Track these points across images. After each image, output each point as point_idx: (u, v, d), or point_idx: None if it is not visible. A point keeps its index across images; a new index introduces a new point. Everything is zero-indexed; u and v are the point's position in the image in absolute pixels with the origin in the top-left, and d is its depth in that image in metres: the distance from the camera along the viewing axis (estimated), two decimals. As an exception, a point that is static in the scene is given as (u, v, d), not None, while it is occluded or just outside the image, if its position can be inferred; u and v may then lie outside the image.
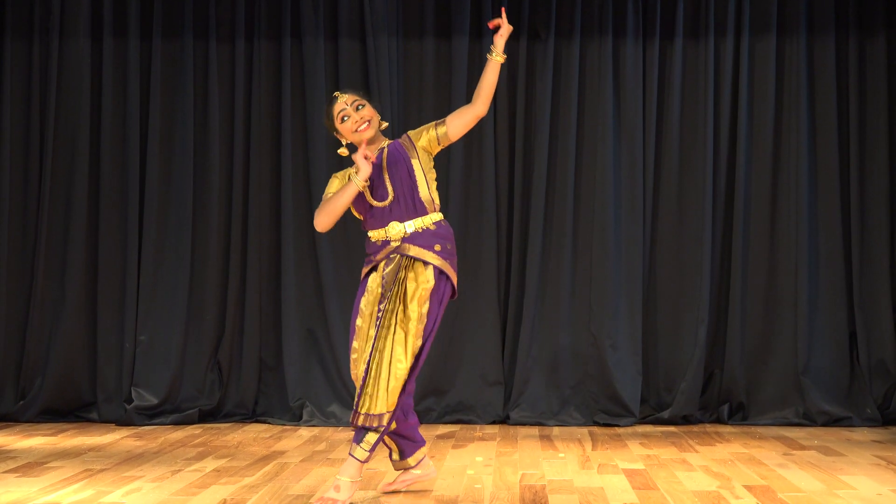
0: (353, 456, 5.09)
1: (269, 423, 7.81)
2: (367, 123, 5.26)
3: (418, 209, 5.25)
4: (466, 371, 7.85)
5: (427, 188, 5.27)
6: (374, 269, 5.27)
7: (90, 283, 7.91)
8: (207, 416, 7.86)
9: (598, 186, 7.88)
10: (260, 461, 6.23)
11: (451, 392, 7.89)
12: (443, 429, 7.57)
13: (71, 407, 7.91)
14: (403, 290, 5.17)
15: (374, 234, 5.28)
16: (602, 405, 7.77)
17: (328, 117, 5.34)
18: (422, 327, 5.13)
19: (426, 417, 7.84)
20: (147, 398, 7.78)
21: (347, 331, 7.86)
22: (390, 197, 5.24)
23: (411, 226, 5.24)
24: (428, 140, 5.30)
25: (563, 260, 7.86)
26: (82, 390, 7.92)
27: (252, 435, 7.29)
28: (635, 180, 7.89)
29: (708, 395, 7.90)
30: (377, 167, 5.25)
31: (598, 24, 7.92)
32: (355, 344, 5.20)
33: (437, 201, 5.29)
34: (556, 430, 7.51)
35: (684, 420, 7.79)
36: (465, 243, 7.89)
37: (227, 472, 5.88)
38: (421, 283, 5.17)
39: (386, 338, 5.11)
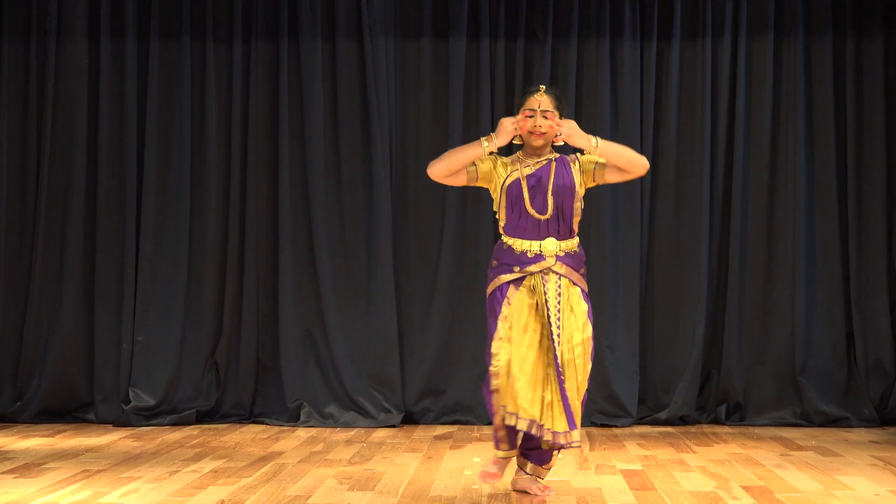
0: (539, 478, 5.32)
1: (266, 423, 7.81)
2: (543, 134, 5.29)
3: (571, 231, 5.36)
4: (464, 372, 7.85)
5: (579, 214, 5.36)
6: (519, 280, 5.28)
7: (87, 283, 7.90)
8: (205, 417, 7.86)
9: (595, 187, 7.85)
10: (257, 462, 6.23)
11: (448, 393, 7.89)
12: (440, 429, 7.57)
13: (68, 408, 7.90)
14: (566, 310, 5.27)
15: (524, 245, 5.30)
16: (599, 406, 7.77)
17: (521, 99, 5.40)
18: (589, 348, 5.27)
19: (424, 418, 7.85)
20: (144, 399, 7.77)
21: (345, 331, 7.87)
22: (549, 212, 5.29)
23: (565, 245, 5.33)
24: (589, 171, 5.34)
25: (560, 260, 7.86)
26: (80, 391, 7.92)
27: (249, 436, 7.29)
28: (632, 181, 7.87)
29: (705, 395, 7.91)
30: (542, 178, 5.28)
31: (596, 25, 7.93)
32: (502, 354, 5.20)
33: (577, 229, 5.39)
34: (553, 431, 7.50)
35: (682, 421, 7.79)
36: (462, 244, 7.90)
37: (225, 472, 5.88)
38: (575, 305, 5.27)
39: (571, 362, 5.20)
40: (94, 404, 7.88)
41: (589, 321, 5.29)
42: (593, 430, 7.59)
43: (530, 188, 5.28)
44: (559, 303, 5.26)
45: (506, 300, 5.27)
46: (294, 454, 6.52)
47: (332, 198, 7.93)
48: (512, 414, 5.17)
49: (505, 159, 5.40)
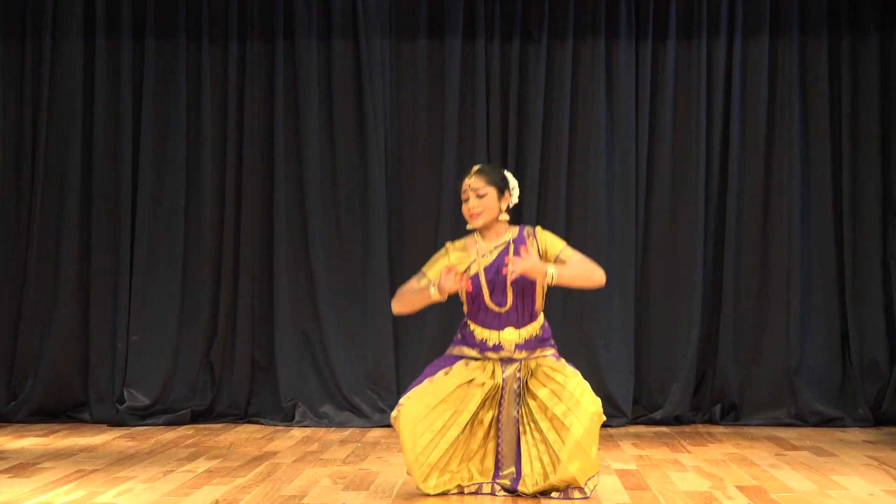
0: None
1: (261, 423, 7.80)
2: (477, 215, 5.23)
3: (532, 316, 5.29)
4: (459, 372, 7.84)
5: (542, 296, 5.30)
6: (475, 360, 5.28)
7: (82, 283, 7.89)
8: (200, 417, 7.86)
9: (591, 187, 7.89)
10: (252, 462, 6.22)
11: (443, 393, 7.88)
12: (435, 429, 7.56)
13: (63, 407, 7.90)
14: (530, 389, 5.23)
15: (484, 334, 5.27)
16: (594, 405, 7.76)
17: (459, 186, 5.35)
18: (578, 378, 5.21)
19: (419, 418, 7.84)
20: (139, 399, 7.77)
21: (340, 331, 7.87)
22: (509, 304, 5.24)
23: (525, 333, 5.27)
24: (549, 254, 5.26)
25: (555, 260, 7.86)
26: (74, 391, 7.91)
27: (244, 435, 7.29)
28: (628, 181, 7.89)
29: (700, 395, 7.91)
30: (500, 269, 5.22)
31: (591, 24, 7.93)
32: (411, 405, 5.17)
33: (543, 306, 5.33)
34: (548, 431, 7.50)
35: (676, 420, 7.79)
36: (457, 244, 7.90)
37: (220, 472, 5.88)
38: (552, 377, 5.23)
39: (548, 431, 5.11)
40: (89, 404, 7.87)
41: (588, 387, 5.21)
42: (588, 429, 7.58)
43: (489, 282, 5.23)
44: (518, 388, 5.24)
45: (447, 369, 5.26)
46: (289, 454, 6.52)
47: (327, 197, 7.93)
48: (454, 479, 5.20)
49: (459, 246, 5.33)
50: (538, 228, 5.35)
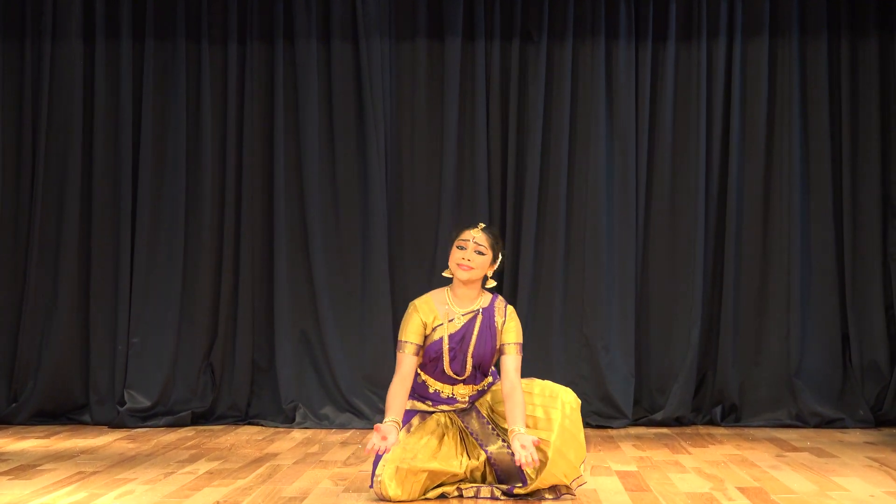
0: None
1: (261, 425, 7.80)
2: (471, 269, 5.19)
3: (485, 375, 5.34)
4: (459, 373, 7.84)
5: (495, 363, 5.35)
6: (429, 413, 5.31)
7: (83, 285, 7.89)
8: (200, 419, 7.86)
9: (591, 188, 7.89)
10: (253, 463, 6.22)
11: (443, 394, 7.88)
12: (436, 431, 7.56)
13: (63, 409, 7.90)
14: (496, 412, 5.29)
15: (437, 386, 5.29)
16: (594, 407, 7.77)
17: (457, 231, 5.28)
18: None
19: (419, 419, 7.84)
20: (140, 400, 7.77)
21: (341, 332, 7.87)
22: (468, 373, 5.27)
23: (477, 387, 5.32)
24: (501, 337, 5.25)
25: (555, 262, 7.86)
26: (75, 393, 7.91)
27: (245, 437, 7.29)
28: (628, 182, 7.89)
29: (700, 396, 7.91)
30: (464, 338, 5.21)
31: (591, 25, 7.93)
32: (387, 470, 5.09)
33: None
34: (548, 432, 7.50)
35: (677, 422, 7.79)
36: (457, 245, 7.90)
37: (220, 474, 5.88)
38: (495, 397, 5.30)
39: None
40: (90, 406, 7.87)
41: (551, 382, 5.28)
42: (588, 431, 7.56)
43: (451, 350, 5.22)
44: (486, 420, 5.29)
45: (407, 426, 5.26)
46: (289, 455, 6.52)
47: (327, 199, 7.93)
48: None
49: (430, 306, 5.25)
50: (510, 309, 5.30)
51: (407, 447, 5.14)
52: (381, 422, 5.06)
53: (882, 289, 7.88)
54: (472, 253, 5.19)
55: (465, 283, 5.23)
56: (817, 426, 7.71)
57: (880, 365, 7.83)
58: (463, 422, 5.32)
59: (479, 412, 5.33)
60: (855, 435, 7.42)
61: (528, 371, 5.51)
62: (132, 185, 7.91)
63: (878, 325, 7.86)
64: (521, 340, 5.27)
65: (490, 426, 5.29)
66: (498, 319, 5.26)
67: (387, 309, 7.86)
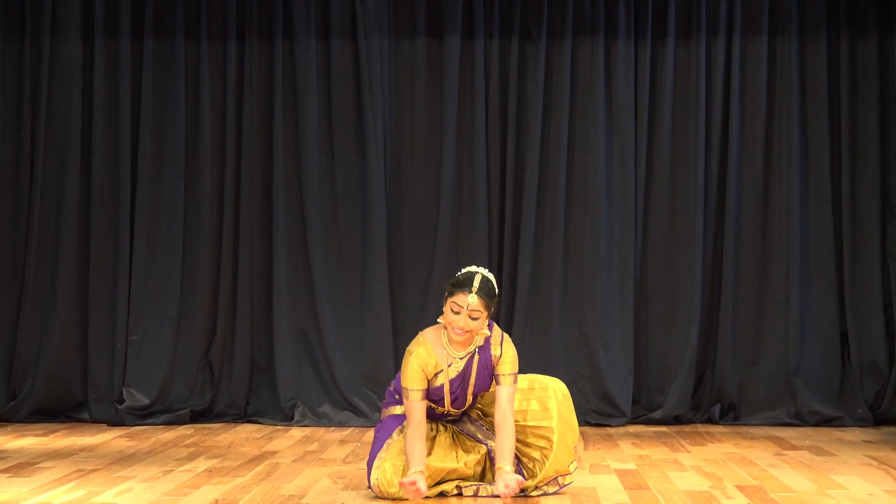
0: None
1: (260, 423, 7.80)
2: (464, 333, 5.15)
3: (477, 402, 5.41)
4: (458, 371, 7.84)
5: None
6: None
7: (82, 282, 7.89)
8: (199, 417, 7.85)
9: (590, 186, 7.88)
10: (251, 461, 6.22)
11: (442, 392, 7.88)
12: (435, 429, 7.56)
13: (62, 407, 7.89)
14: (481, 412, 5.37)
15: (432, 405, 5.30)
16: (594, 405, 7.77)
17: (451, 289, 5.16)
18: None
19: (418, 418, 7.83)
20: (138, 398, 7.76)
21: (340, 332, 7.86)
22: (467, 405, 5.32)
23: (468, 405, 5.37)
24: (496, 368, 5.24)
25: (554, 260, 7.86)
26: (73, 390, 7.91)
27: (244, 435, 7.29)
28: (627, 180, 7.89)
29: (699, 395, 7.91)
30: (465, 378, 5.24)
31: (590, 24, 7.93)
32: (383, 471, 5.14)
33: None
34: (547, 431, 7.49)
35: (676, 420, 7.79)
36: (456, 243, 7.90)
37: (219, 472, 5.88)
38: (484, 400, 5.37)
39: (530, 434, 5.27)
40: (88, 403, 7.87)
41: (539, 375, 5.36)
42: (587, 429, 7.58)
43: (452, 392, 5.25)
44: (479, 421, 5.34)
45: (400, 427, 5.26)
46: (288, 454, 6.52)
47: (325, 197, 7.92)
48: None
49: (428, 353, 5.21)
50: (506, 340, 5.27)
51: (402, 449, 5.17)
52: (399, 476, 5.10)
53: (881, 288, 7.88)
54: (467, 321, 5.12)
55: (461, 343, 5.22)
56: (816, 425, 7.71)
57: (879, 364, 7.83)
58: (456, 426, 5.38)
59: (470, 417, 5.39)
60: (854, 433, 7.42)
61: (527, 370, 5.52)
62: (131, 183, 7.90)
63: (877, 323, 7.86)
64: (516, 371, 5.26)
65: (484, 427, 5.32)
66: (494, 353, 5.24)
67: (385, 307, 7.86)
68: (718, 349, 7.87)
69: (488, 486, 5.23)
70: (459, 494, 5.21)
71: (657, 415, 7.78)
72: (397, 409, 5.34)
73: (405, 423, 5.24)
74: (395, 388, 5.37)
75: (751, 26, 7.93)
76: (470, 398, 5.30)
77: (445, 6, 7.93)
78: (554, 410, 5.27)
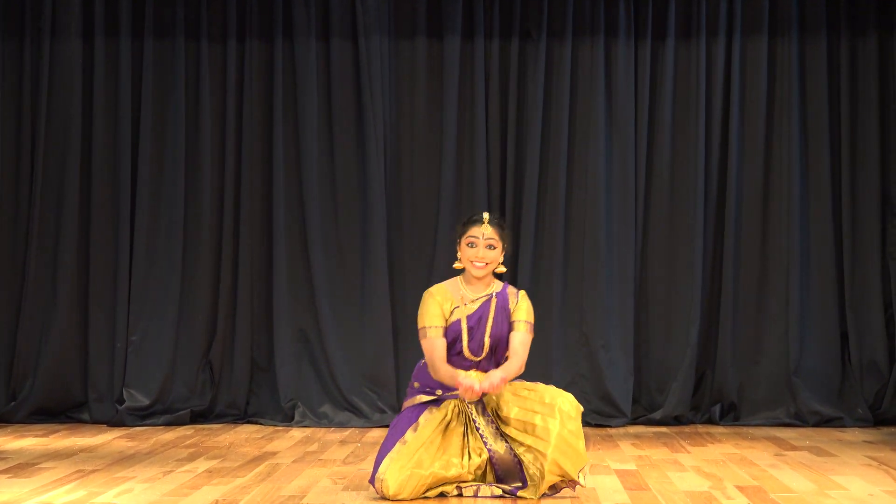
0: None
1: (260, 423, 7.80)
2: (484, 265, 5.27)
3: (499, 363, 5.34)
4: (458, 371, 7.84)
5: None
6: (438, 401, 5.30)
7: (82, 283, 7.89)
8: (199, 417, 7.86)
9: (590, 187, 7.88)
10: (252, 462, 6.22)
11: (442, 392, 7.88)
12: (435, 429, 7.56)
13: (62, 407, 7.89)
14: (502, 417, 5.28)
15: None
16: (594, 405, 7.77)
17: (463, 227, 5.32)
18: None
19: (418, 418, 7.83)
20: (139, 399, 7.76)
21: (339, 331, 7.87)
22: (485, 353, 5.31)
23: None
24: (512, 315, 5.31)
25: (554, 260, 7.86)
26: (74, 391, 7.91)
27: (244, 435, 7.29)
28: (627, 180, 7.89)
29: (699, 395, 7.91)
30: (481, 319, 5.28)
31: (590, 24, 7.93)
32: (390, 477, 5.11)
33: None
34: (547, 431, 7.49)
35: (676, 420, 7.79)
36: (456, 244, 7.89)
37: (219, 472, 5.88)
38: (509, 391, 5.29)
39: (534, 442, 5.16)
40: (89, 404, 7.87)
41: (557, 390, 5.28)
42: (587, 430, 7.56)
43: (469, 330, 5.28)
44: (491, 419, 5.28)
45: (414, 425, 5.25)
46: (288, 454, 6.52)
47: (326, 197, 7.92)
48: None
49: (445, 291, 5.32)
50: (522, 293, 5.38)
51: (412, 452, 5.15)
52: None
53: (881, 288, 7.88)
54: (484, 250, 5.27)
55: (481, 278, 5.32)
56: (816, 425, 7.71)
57: (879, 364, 7.83)
58: (471, 411, 5.28)
59: (485, 409, 5.30)
60: (854, 434, 7.42)
61: (526, 369, 5.50)
62: (131, 184, 7.91)
63: (877, 324, 7.86)
64: (531, 320, 5.34)
65: (494, 426, 5.29)
66: (511, 301, 5.34)
67: (386, 307, 7.86)
68: (718, 349, 7.87)
69: (488, 487, 5.22)
70: (459, 495, 5.21)
71: (657, 415, 7.78)
72: (417, 399, 5.33)
73: (421, 416, 5.24)
74: (415, 378, 5.38)
75: (751, 26, 7.93)
76: (487, 342, 5.28)
77: (445, 6, 7.93)
78: (553, 434, 5.11)
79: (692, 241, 7.86)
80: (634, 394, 7.86)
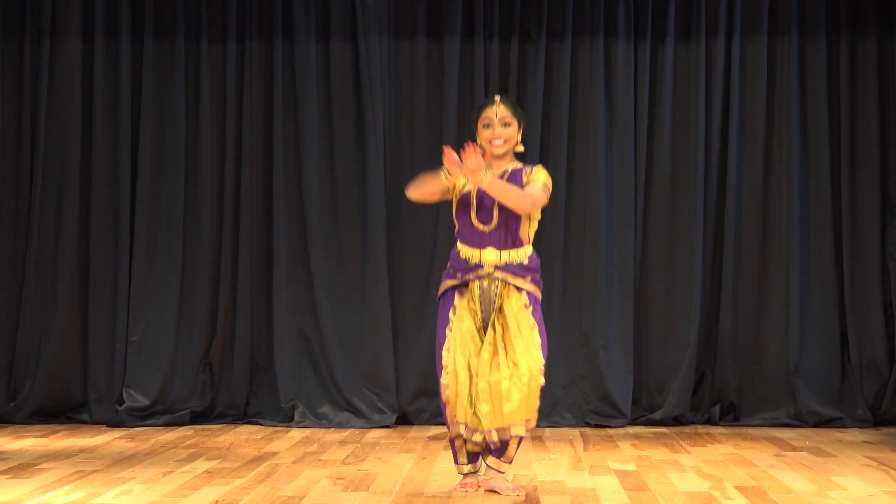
0: (499, 471, 5.34)
1: (260, 424, 7.80)
2: (502, 142, 5.36)
3: (515, 242, 5.37)
4: (458, 372, 7.84)
5: (528, 226, 5.38)
6: (462, 285, 5.38)
7: (81, 283, 7.89)
8: (199, 418, 7.86)
9: (590, 187, 7.88)
10: (251, 462, 6.22)
11: (442, 393, 7.88)
12: (434, 430, 7.56)
13: (62, 408, 7.89)
14: (502, 314, 5.31)
15: (468, 252, 5.38)
16: (593, 406, 7.78)
17: (477, 112, 5.44)
18: (535, 332, 5.29)
19: (418, 418, 7.84)
20: (138, 399, 7.77)
21: (339, 331, 7.87)
22: (494, 223, 5.35)
23: (506, 256, 5.36)
24: (528, 180, 5.36)
25: (554, 260, 7.85)
26: (73, 391, 7.91)
27: (243, 436, 7.29)
28: (627, 180, 7.89)
29: (699, 395, 7.91)
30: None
31: (590, 24, 7.93)
32: (449, 362, 5.26)
33: (532, 237, 5.41)
34: (547, 431, 7.51)
35: (676, 421, 7.79)
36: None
37: (219, 473, 5.88)
38: (515, 303, 5.31)
39: (493, 359, 5.23)
40: (88, 404, 7.87)
41: (539, 350, 5.28)
42: (587, 430, 7.59)
43: (478, 199, 5.34)
44: (494, 302, 5.33)
45: (452, 308, 5.37)
46: (288, 455, 6.52)
47: (325, 198, 7.92)
48: (461, 424, 5.26)
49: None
50: (539, 165, 5.48)
51: (464, 333, 5.28)
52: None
53: (881, 288, 7.88)
54: (500, 128, 5.36)
55: (500, 157, 5.39)
56: (816, 425, 7.71)
57: (879, 364, 7.83)
58: (481, 301, 5.33)
59: (496, 289, 5.33)
60: (853, 434, 7.42)
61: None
62: (131, 184, 7.91)
63: (877, 324, 7.86)
64: (549, 184, 5.37)
65: (494, 313, 5.34)
66: (525, 172, 5.39)
67: (386, 308, 7.86)
68: (718, 350, 7.87)
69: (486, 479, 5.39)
70: (463, 488, 5.30)
71: (657, 415, 7.78)
72: (447, 283, 5.41)
73: (455, 300, 5.35)
74: (450, 259, 5.45)
75: (751, 26, 7.93)
76: (496, 214, 5.30)
77: (445, 6, 7.93)
78: (515, 397, 5.19)
79: (692, 241, 7.86)
80: (634, 394, 7.86)
